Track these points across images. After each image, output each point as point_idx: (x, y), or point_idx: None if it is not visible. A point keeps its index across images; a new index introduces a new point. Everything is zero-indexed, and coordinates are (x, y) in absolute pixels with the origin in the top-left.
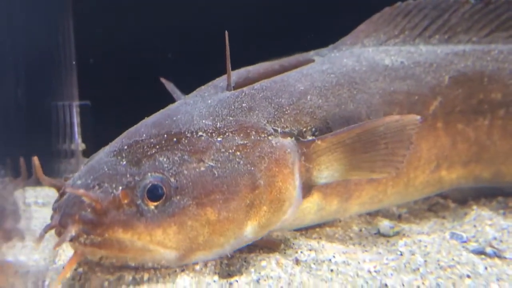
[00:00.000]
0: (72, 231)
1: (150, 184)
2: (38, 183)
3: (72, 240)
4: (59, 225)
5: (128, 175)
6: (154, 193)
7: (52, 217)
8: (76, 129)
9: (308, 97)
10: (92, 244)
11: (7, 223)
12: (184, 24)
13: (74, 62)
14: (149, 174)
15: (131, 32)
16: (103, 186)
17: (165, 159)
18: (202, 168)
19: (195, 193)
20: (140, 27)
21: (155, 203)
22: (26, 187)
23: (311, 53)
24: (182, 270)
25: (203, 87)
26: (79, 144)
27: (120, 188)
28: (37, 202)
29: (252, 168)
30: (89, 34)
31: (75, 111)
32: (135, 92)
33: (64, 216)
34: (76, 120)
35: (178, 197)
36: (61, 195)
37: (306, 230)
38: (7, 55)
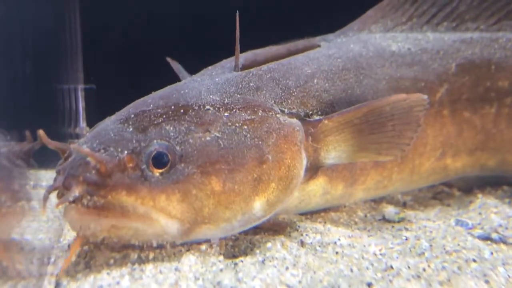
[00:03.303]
0: (76, 191)
1: (156, 151)
2: (43, 162)
3: (75, 201)
4: (63, 187)
5: (134, 141)
6: (159, 160)
7: (55, 179)
8: (81, 113)
9: (315, 80)
10: (95, 207)
11: (14, 184)
12: (190, 8)
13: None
14: (155, 141)
15: (137, 16)
16: (108, 150)
17: (171, 128)
18: (208, 138)
19: (200, 161)
20: (146, 11)
21: (160, 170)
22: (30, 170)
23: (318, 38)
24: (187, 250)
25: (210, 67)
26: (83, 128)
27: (126, 152)
28: (41, 184)
29: (260, 142)
30: (95, 17)
31: (80, 95)
32: (140, 76)
33: (68, 177)
34: (81, 103)
35: (183, 165)
36: (66, 158)
37: (311, 214)
38: (15, 40)
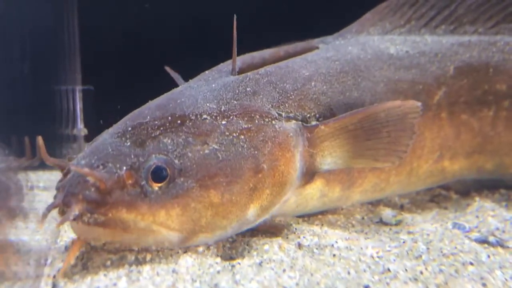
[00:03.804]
0: (76, 210)
1: (154, 166)
2: (41, 162)
3: (75, 219)
4: (63, 204)
5: (132, 156)
6: (158, 175)
7: (55, 196)
8: (79, 114)
9: (313, 83)
10: (95, 224)
11: (11, 201)
12: (189, 9)
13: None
14: (153, 155)
15: (135, 17)
16: (107, 166)
17: (169, 141)
18: (206, 151)
19: (199, 175)
20: (144, 12)
21: (159, 184)
22: (28, 171)
23: (316, 40)
24: (185, 252)
25: (207, 71)
26: (81, 129)
27: (125, 168)
28: (39, 186)
29: (256, 152)
30: (93, 18)
31: (78, 96)
32: (138, 77)
33: (67, 195)
34: (79, 105)
35: (182, 179)
36: (65, 174)
37: (308, 217)
38: (13, 40)
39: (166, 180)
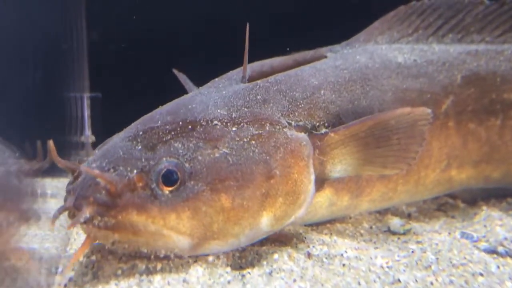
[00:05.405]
0: (87, 212)
1: (165, 169)
2: (50, 169)
3: (86, 222)
4: (73, 207)
5: (143, 159)
6: (168, 178)
7: (66, 199)
8: (87, 121)
9: (322, 92)
10: (106, 227)
11: (24, 203)
12: (199, 16)
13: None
14: (164, 159)
15: (143, 24)
16: (118, 169)
17: (180, 145)
18: (217, 155)
19: (209, 178)
20: (152, 18)
21: (170, 188)
22: (38, 175)
23: (324, 49)
24: (195, 261)
25: (217, 79)
26: (89, 136)
27: (135, 171)
28: (46, 193)
29: (267, 158)
30: (101, 25)
31: (86, 103)
32: (146, 84)
33: (78, 198)
34: (86, 112)
35: (192, 182)
36: (75, 177)
37: (317, 225)
38: (21, 48)
39: (177, 183)
